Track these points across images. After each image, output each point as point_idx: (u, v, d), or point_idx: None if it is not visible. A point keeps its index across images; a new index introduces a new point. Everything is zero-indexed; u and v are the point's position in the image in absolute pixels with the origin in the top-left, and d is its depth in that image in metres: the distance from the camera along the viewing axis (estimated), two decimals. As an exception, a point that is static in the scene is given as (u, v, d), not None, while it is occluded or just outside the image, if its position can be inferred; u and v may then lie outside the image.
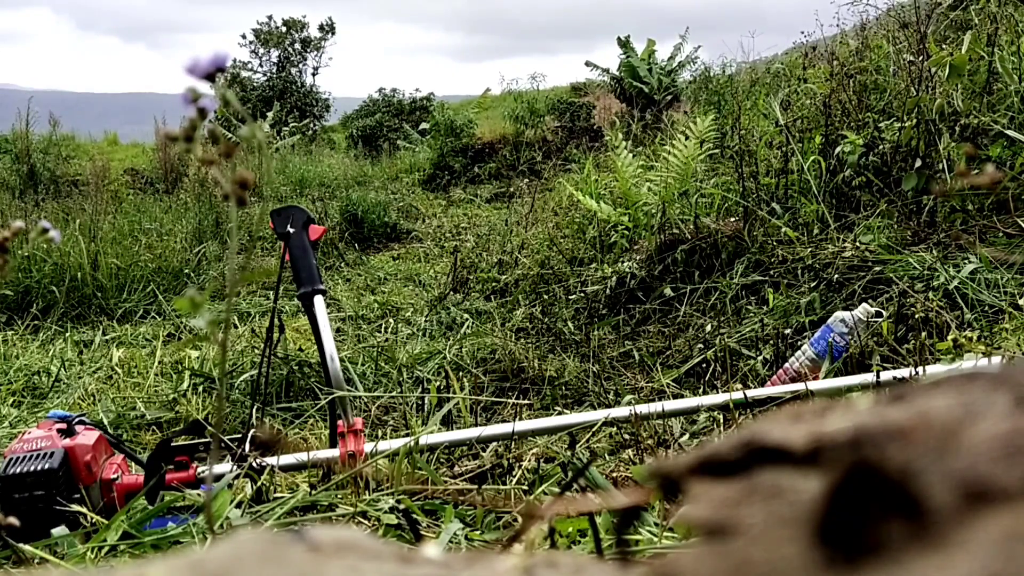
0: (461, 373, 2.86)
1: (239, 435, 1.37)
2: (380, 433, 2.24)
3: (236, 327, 3.53)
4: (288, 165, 7.98)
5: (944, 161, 2.73)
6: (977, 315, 2.18)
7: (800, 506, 0.23)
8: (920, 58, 2.99)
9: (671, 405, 1.53)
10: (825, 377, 2.07)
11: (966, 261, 2.38)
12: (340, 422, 1.42)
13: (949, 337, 1.57)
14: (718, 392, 1.99)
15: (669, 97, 8.68)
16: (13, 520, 0.75)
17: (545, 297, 3.49)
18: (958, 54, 2.80)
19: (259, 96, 14.06)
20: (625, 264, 3.26)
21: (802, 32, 5.43)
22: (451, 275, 4.28)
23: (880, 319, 2.16)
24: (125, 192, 6.98)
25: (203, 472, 1.38)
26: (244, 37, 15.52)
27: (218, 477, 1.22)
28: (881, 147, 3.00)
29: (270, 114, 11.49)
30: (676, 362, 2.64)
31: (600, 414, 1.50)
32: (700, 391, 2.33)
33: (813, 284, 2.60)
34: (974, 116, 2.78)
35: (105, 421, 2.32)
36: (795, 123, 3.58)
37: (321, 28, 15.80)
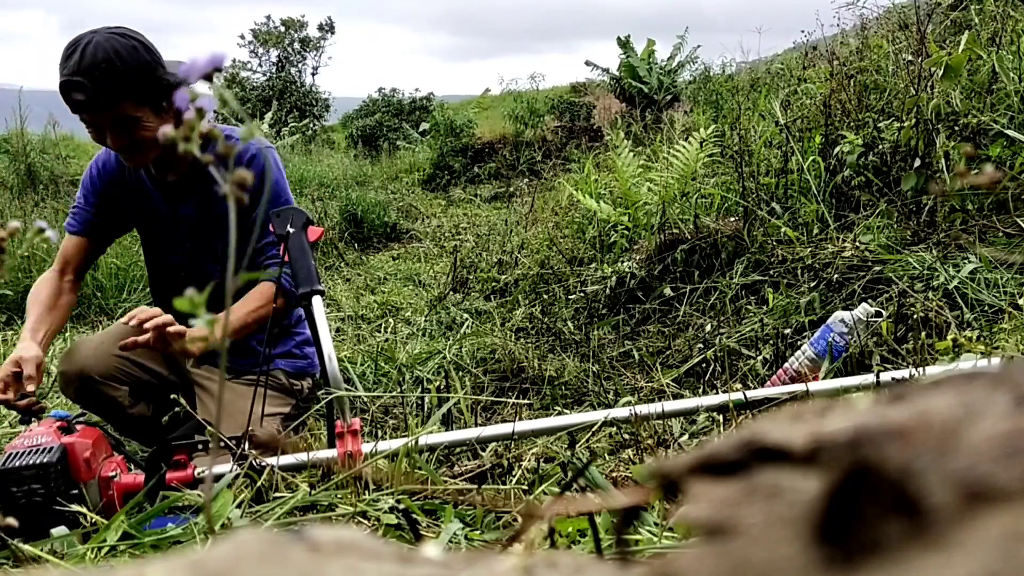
0: (461, 373, 2.86)
1: (239, 435, 1.37)
2: (380, 433, 2.24)
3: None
4: (287, 165, 7.98)
5: (943, 161, 2.73)
6: (977, 315, 2.18)
7: (800, 506, 0.23)
8: (919, 58, 2.99)
9: (671, 405, 1.53)
10: (825, 377, 2.07)
11: (966, 261, 2.38)
12: (339, 422, 1.42)
13: (948, 337, 1.57)
14: (718, 392, 1.99)
15: (669, 97, 8.68)
16: (12, 521, 0.75)
17: (545, 297, 3.49)
18: (955, 54, 2.80)
19: (258, 96, 14.07)
20: (625, 264, 3.26)
21: (802, 31, 5.43)
22: (451, 275, 4.28)
23: (880, 319, 2.16)
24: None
25: (202, 472, 1.38)
26: (243, 37, 15.53)
27: (217, 477, 1.22)
28: (880, 147, 3.00)
29: (269, 114, 11.50)
30: (676, 362, 2.64)
31: (600, 414, 1.50)
32: (700, 391, 2.33)
33: (813, 284, 2.60)
34: (973, 116, 2.78)
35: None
36: (795, 123, 3.58)
37: (320, 28, 15.80)
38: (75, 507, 1.25)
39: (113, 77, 1.58)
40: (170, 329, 1.55)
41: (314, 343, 1.60)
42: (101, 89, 1.58)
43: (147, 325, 1.53)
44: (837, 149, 3.09)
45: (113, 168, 1.91)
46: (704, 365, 2.53)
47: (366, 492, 1.19)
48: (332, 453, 1.37)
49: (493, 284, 3.97)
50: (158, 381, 1.92)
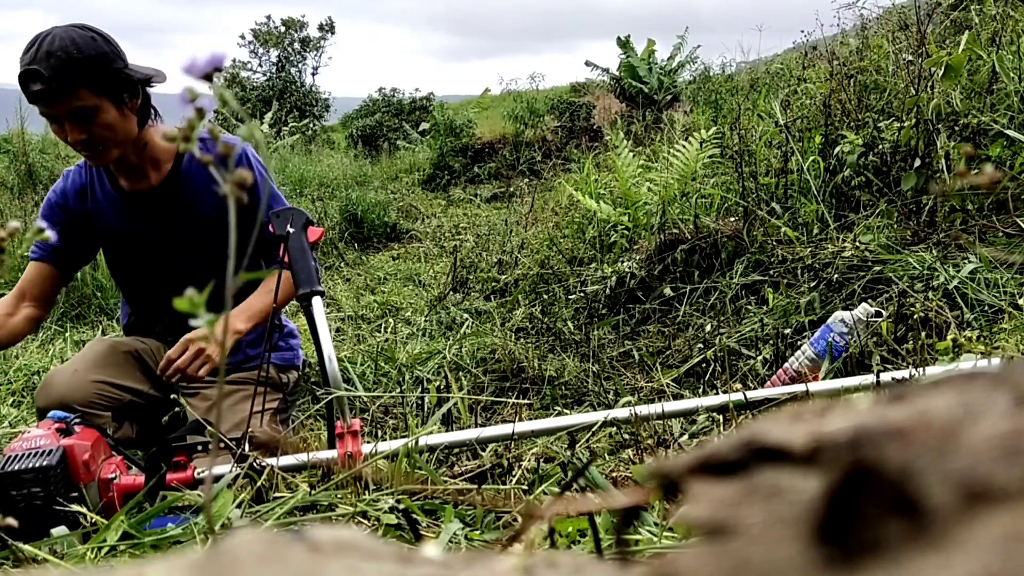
0: (461, 373, 2.86)
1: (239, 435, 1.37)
2: (380, 433, 2.25)
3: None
4: (287, 165, 7.98)
5: (943, 161, 2.73)
6: (977, 315, 2.18)
7: (799, 506, 0.23)
8: (919, 58, 2.99)
9: (671, 406, 1.53)
10: (825, 377, 2.07)
11: (966, 261, 2.38)
12: (338, 423, 1.42)
13: (948, 337, 1.57)
14: (718, 392, 1.99)
15: (669, 97, 8.68)
16: (12, 521, 0.75)
17: (545, 297, 3.49)
18: (955, 54, 2.80)
19: (258, 96, 14.07)
20: (625, 264, 3.26)
21: (802, 31, 5.43)
22: (451, 275, 4.28)
23: (880, 319, 2.16)
24: (125, 192, 6.95)
25: (201, 472, 1.38)
26: (243, 37, 15.53)
27: (217, 478, 1.22)
28: (880, 147, 3.00)
29: (269, 114, 11.50)
30: (676, 362, 2.64)
31: (600, 414, 1.49)
32: (700, 391, 2.33)
33: (813, 284, 2.60)
34: (973, 116, 2.78)
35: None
36: (795, 123, 3.58)
37: (320, 28, 15.80)
38: (75, 507, 1.25)
39: (69, 65, 1.56)
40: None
41: (314, 344, 1.60)
42: (56, 77, 1.56)
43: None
44: (837, 149, 3.09)
45: (73, 189, 1.87)
46: (704, 365, 2.53)
47: (366, 492, 1.19)
48: (332, 454, 1.37)
49: (493, 284, 3.97)
50: (141, 400, 1.87)
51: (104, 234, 1.90)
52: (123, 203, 1.85)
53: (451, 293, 4.04)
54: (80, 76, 1.58)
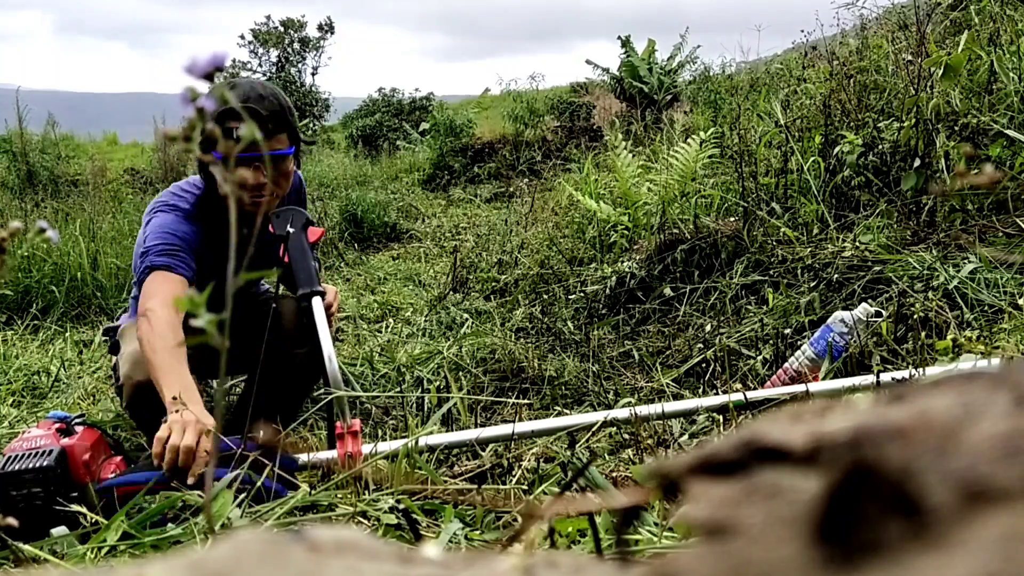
0: (461, 373, 2.86)
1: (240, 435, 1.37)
2: (380, 434, 2.24)
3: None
4: (288, 165, 7.96)
5: (943, 161, 2.73)
6: (977, 315, 2.18)
7: (799, 506, 0.23)
8: (919, 58, 2.99)
9: (671, 406, 1.53)
10: (825, 377, 2.07)
11: (966, 261, 2.38)
12: (338, 423, 1.42)
13: (948, 337, 1.57)
14: (718, 392, 1.99)
15: (669, 97, 8.68)
16: (12, 521, 0.75)
17: (545, 297, 3.49)
18: (955, 54, 2.80)
19: (259, 96, 14.04)
20: (625, 264, 3.26)
21: (802, 31, 5.42)
22: (451, 275, 4.28)
23: (880, 319, 2.16)
24: (125, 192, 6.97)
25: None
26: (243, 37, 15.53)
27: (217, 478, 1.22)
28: (880, 147, 3.00)
29: (269, 114, 11.47)
30: (676, 362, 2.63)
31: (600, 414, 1.50)
32: (700, 391, 2.33)
33: (813, 284, 2.60)
34: (973, 116, 2.78)
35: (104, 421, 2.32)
36: (795, 123, 3.58)
37: (320, 28, 15.79)
38: (75, 507, 1.25)
39: (281, 110, 1.71)
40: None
41: (314, 343, 1.60)
42: (270, 119, 1.68)
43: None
44: (837, 149, 3.09)
45: (193, 232, 1.84)
46: (704, 365, 2.52)
47: (366, 492, 1.19)
48: (332, 454, 1.37)
49: (493, 284, 3.97)
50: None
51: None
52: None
53: (451, 293, 4.04)
54: (284, 123, 1.72)
